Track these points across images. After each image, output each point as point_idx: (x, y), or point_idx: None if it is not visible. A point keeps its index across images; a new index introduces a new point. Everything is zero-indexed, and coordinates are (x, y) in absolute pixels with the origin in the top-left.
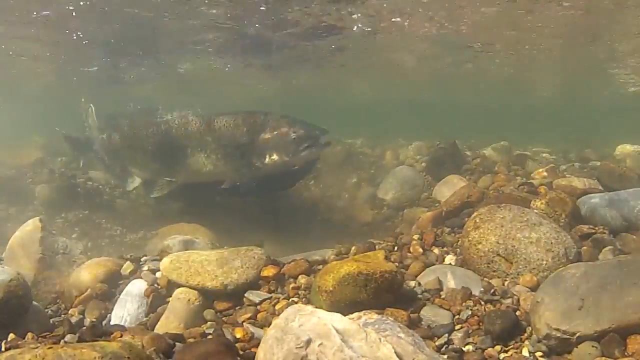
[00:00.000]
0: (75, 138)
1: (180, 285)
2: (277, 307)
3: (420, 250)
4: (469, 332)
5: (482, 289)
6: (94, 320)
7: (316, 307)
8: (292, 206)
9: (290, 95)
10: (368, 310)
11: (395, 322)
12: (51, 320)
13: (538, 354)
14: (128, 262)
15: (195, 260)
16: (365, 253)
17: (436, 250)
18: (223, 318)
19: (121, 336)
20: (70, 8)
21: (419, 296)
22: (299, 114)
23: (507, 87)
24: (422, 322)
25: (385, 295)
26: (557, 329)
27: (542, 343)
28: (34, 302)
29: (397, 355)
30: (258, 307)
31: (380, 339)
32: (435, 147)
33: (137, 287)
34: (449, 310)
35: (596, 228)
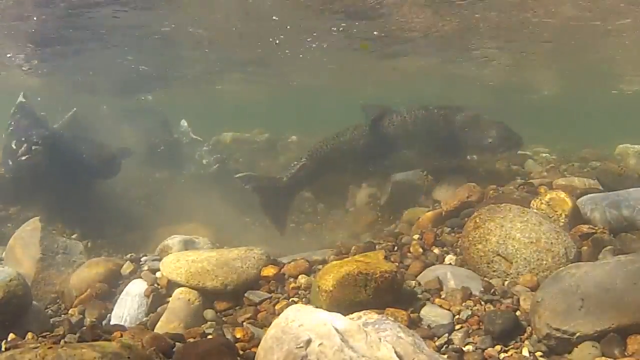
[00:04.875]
0: None
1: (180, 285)
2: (277, 307)
3: (420, 250)
4: (469, 332)
5: (482, 289)
6: (94, 320)
7: (316, 307)
8: (292, 206)
9: (289, 95)
10: (368, 310)
11: (395, 322)
12: (51, 320)
13: (538, 353)
14: (128, 262)
15: (195, 260)
16: (365, 253)
17: (436, 250)
18: (223, 318)
19: (121, 336)
20: None
21: (419, 296)
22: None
23: (506, 87)
24: (422, 322)
25: (385, 295)
26: (557, 329)
27: (542, 343)
28: (34, 302)
29: (397, 355)
30: (258, 307)
31: (380, 339)
32: None
33: (137, 287)
34: (449, 310)
35: (596, 228)
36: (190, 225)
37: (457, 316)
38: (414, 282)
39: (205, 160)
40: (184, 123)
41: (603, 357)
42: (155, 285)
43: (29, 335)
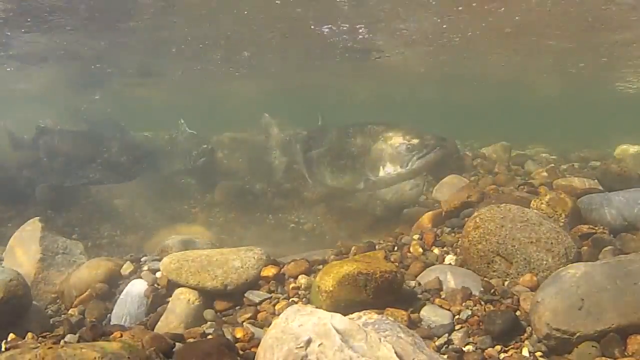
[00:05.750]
0: None
1: (180, 285)
2: (277, 307)
3: (420, 250)
4: (469, 332)
5: (482, 289)
6: (94, 320)
7: (316, 307)
8: (292, 206)
9: (294, 94)
10: (368, 310)
11: (395, 322)
12: (51, 320)
13: (538, 354)
14: (128, 262)
15: (195, 260)
16: (365, 253)
17: (436, 250)
18: (223, 318)
19: (121, 336)
20: None
21: (419, 296)
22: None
23: (507, 87)
24: (422, 322)
25: (385, 295)
26: (557, 329)
27: (542, 343)
28: (34, 302)
29: (397, 355)
30: (258, 307)
31: (380, 339)
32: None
33: (137, 287)
34: (449, 310)
35: (596, 228)
36: (189, 226)
37: (457, 316)
38: (414, 282)
39: (194, 151)
40: (182, 121)
41: (603, 357)
42: (155, 285)
43: (29, 335)
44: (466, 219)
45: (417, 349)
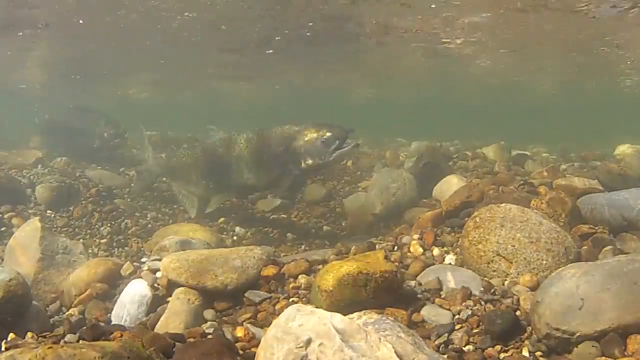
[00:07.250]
0: None
1: (180, 285)
2: (277, 306)
3: (420, 250)
4: (469, 332)
5: (482, 289)
6: (94, 320)
7: (316, 307)
8: (292, 205)
9: (289, 95)
10: (368, 310)
11: (395, 322)
12: (51, 320)
13: (538, 353)
14: (128, 262)
15: (195, 259)
16: (365, 253)
17: (436, 250)
18: (223, 318)
19: (121, 336)
20: None
21: (419, 296)
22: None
23: (506, 87)
24: (422, 322)
25: (385, 295)
26: (557, 329)
27: (542, 343)
28: (34, 302)
29: (397, 355)
30: (258, 306)
31: (380, 338)
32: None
33: (137, 287)
34: (449, 310)
35: (596, 228)
36: (188, 226)
37: (457, 316)
38: (414, 282)
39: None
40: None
41: (603, 357)
42: (156, 285)
43: (29, 335)
44: (466, 218)
45: (417, 348)
